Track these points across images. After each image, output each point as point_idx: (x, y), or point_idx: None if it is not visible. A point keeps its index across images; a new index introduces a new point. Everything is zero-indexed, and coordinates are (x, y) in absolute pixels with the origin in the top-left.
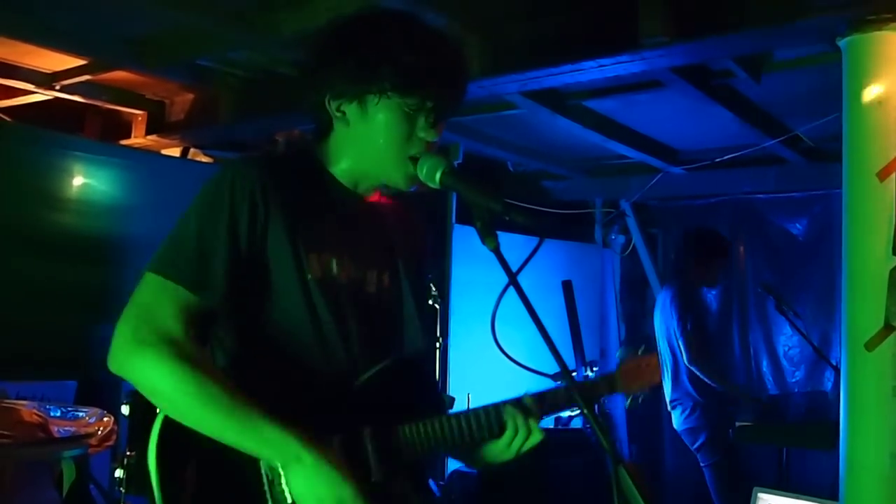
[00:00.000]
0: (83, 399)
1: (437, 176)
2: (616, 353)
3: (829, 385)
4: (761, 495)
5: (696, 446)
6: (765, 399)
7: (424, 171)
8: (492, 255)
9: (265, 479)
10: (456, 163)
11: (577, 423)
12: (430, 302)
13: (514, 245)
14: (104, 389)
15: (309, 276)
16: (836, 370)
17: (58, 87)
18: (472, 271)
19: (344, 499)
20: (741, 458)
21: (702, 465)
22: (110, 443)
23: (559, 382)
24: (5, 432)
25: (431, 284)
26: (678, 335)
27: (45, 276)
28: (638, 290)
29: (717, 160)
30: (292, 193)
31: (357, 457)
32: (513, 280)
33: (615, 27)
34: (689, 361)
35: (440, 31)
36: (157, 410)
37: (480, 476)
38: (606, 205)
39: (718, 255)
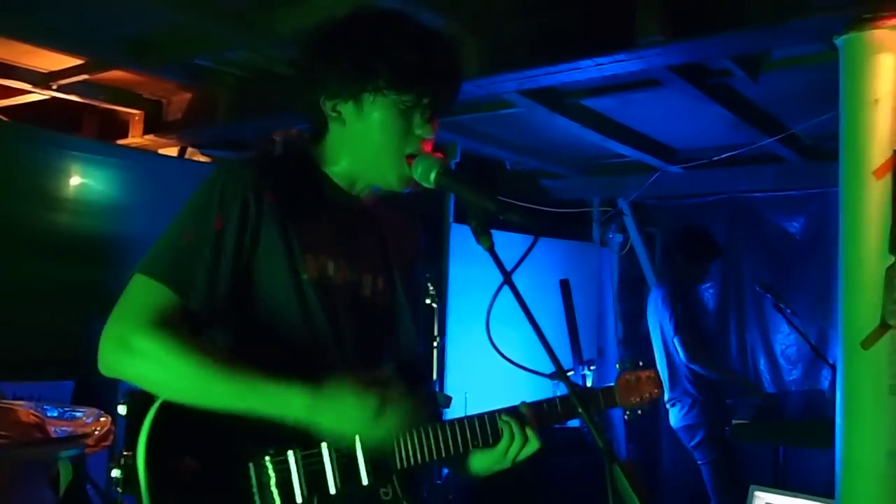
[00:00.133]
0: (80, 399)
1: (432, 176)
2: (615, 364)
3: (826, 383)
4: (758, 493)
5: (693, 444)
6: (763, 396)
7: (419, 171)
8: (489, 255)
9: (254, 481)
10: (454, 162)
11: (574, 423)
12: (428, 301)
13: (511, 244)
14: (101, 389)
15: (304, 277)
16: (833, 368)
17: (55, 87)
18: (470, 270)
19: (374, 412)
20: (738, 455)
21: (699, 462)
22: (107, 443)
23: (555, 381)
24: (2, 432)
25: (429, 284)
26: (673, 334)
27: (41, 276)
28: (635, 288)
29: (715, 159)
30: (287, 195)
31: (347, 462)
32: (507, 279)
33: (612, 26)
34: (689, 360)
35: (433, 28)
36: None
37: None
38: (604, 203)
39: (707, 252)
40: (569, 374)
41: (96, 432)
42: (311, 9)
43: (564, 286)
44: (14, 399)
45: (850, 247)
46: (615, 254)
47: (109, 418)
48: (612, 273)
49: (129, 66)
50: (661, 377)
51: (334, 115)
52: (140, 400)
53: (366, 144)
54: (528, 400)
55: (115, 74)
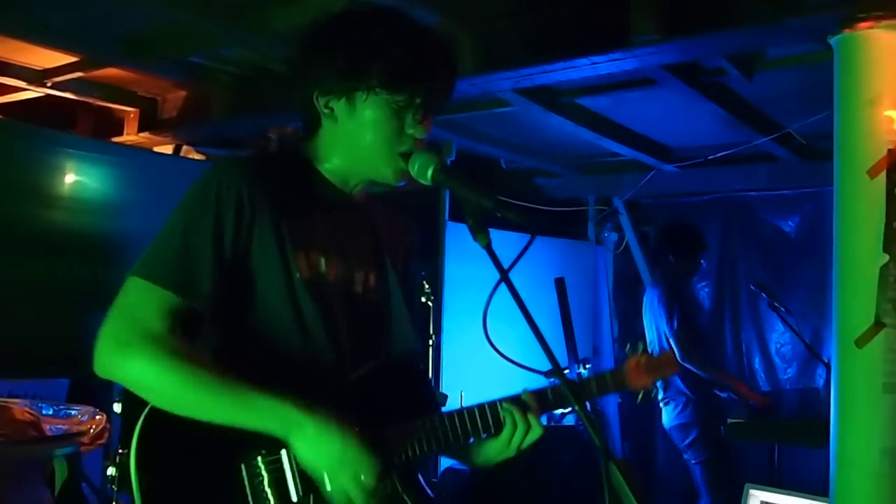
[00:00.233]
0: (75, 397)
1: (429, 173)
2: (625, 350)
3: (820, 382)
4: (753, 491)
5: (686, 443)
6: (758, 396)
7: (416, 167)
8: (485, 252)
9: (246, 482)
10: (449, 160)
11: (569, 420)
12: (423, 299)
13: (507, 242)
14: (96, 387)
15: (297, 275)
16: (828, 367)
17: (49, 84)
18: (466, 268)
19: (350, 456)
20: (731, 454)
21: (692, 462)
22: (102, 441)
23: (553, 380)
24: None
25: (424, 282)
26: (668, 334)
27: (37, 274)
28: (631, 287)
29: (710, 158)
30: (280, 193)
31: None
32: (504, 277)
33: (607, 25)
34: (683, 359)
35: (428, 27)
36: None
37: (472, 473)
38: (599, 202)
39: (696, 247)
40: (565, 372)
41: (92, 430)
42: (306, 6)
43: (560, 285)
44: (9, 397)
45: (845, 246)
46: (610, 252)
47: (105, 416)
48: (608, 271)
49: (124, 63)
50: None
51: (327, 111)
52: (135, 399)
53: (358, 142)
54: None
55: (110, 72)
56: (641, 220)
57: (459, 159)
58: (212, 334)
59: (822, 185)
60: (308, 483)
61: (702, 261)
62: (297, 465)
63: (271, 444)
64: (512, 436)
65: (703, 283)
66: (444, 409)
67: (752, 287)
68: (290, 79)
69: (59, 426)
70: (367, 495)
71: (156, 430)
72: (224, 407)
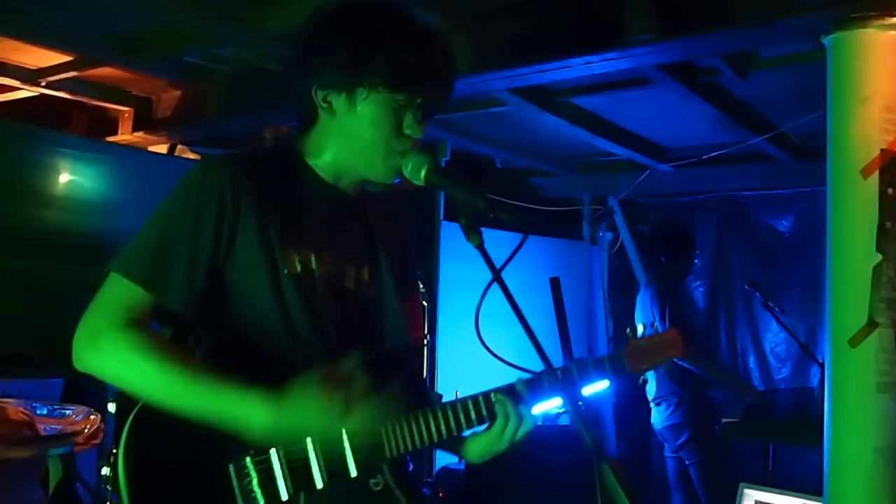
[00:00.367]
0: (70, 397)
1: (422, 173)
2: (626, 332)
3: (815, 381)
4: (747, 491)
5: (678, 443)
6: (753, 395)
7: (409, 168)
8: (479, 252)
9: (234, 482)
10: (444, 160)
11: (565, 420)
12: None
13: (501, 242)
14: (91, 387)
15: (284, 272)
16: (823, 366)
17: (44, 84)
18: (460, 268)
19: (330, 428)
20: (725, 454)
21: (686, 462)
22: (97, 441)
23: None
24: None
25: (419, 282)
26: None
27: (31, 273)
28: (626, 286)
29: (704, 157)
30: (268, 190)
31: (333, 455)
32: (497, 277)
33: (602, 24)
34: (679, 357)
35: (430, 27)
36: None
37: (468, 472)
38: (594, 202)
39: (688, 247)
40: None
41: (86, 430)
42: (301, 5)
43: (555, 284)
44: (3, 397)
45: (838, 245)
46: (605, 252)
47: (99, 416)
48: (603, 271)
49: (119, 62)
50: (649, 377)
51: (325, 105)
52: (130, 398)
53: (354, 139)
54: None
55: (105, 71)
56: (636, 220)
57: (454, 159)
58: (202, 332)
59: (816, 185)
60: (298, 481)
61: (695, 260)
62: (287, 463)
63: (260, 444)
64: (504, 427)
65: (698, 283)
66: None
67: (746, 286)
68: (288, 70)
69: (53, 426)
70: (355, 482)
71: (144, 429)
72: (198, 397)
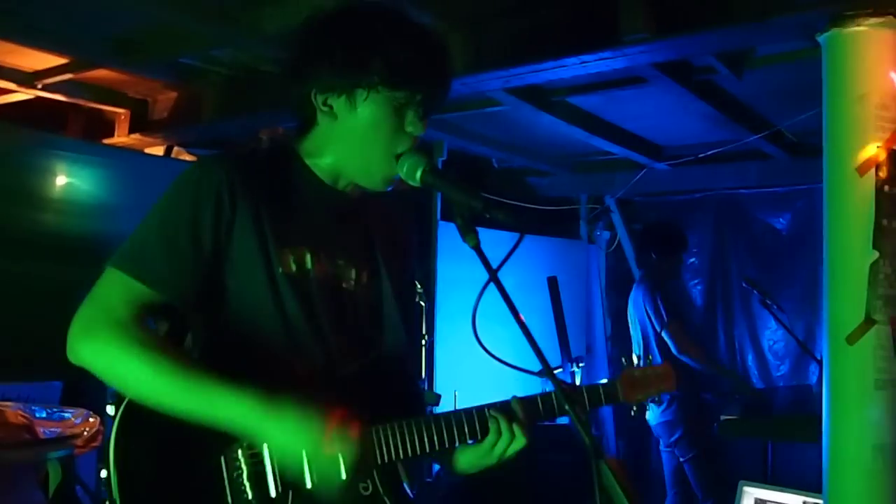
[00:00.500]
0: (69, 400)
1: (418, 174)
2: (620, 359)
3: (813, 379)
4: (746, 489)
5: (672, 440)
6: (751, 392)
7: (405, 169)
8: (475, 253)
9: (224, 472)
10: (440, 160)
11: (564, 419)
12: (416, 299)
13: (498, 241)
14: (90, 390)
15: (280, 271)
16: (821, 364)
17: (40, 86)
18: (458, 268)
19: (318, 445)
20: (720, 451)
21: (681, 459)
22: (96, 443)
23: (543, 378)
24: None
25: (417, 282)
26: (661, 328)
27: (28, 276)
28: (623, 285)
29: (701, 156)
30: (266, 189)
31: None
32: (493, 277)
33: (597, 23)
34: (679, 352)
35: (427, 25)
36: (120, 408)
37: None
38: (591, 201)
39: (678, 244)
40: (557, 371)
41: (85, 433)
42: (296, 7)
43: (552, 284)
44: (2, 400)
45: (835, 243)
46: (603, 251)
47: (98, 419)
48: (600, 270)
49: (115, 64)
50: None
51: (325, 109)
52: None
53: (355, 140)
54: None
55: (101, 73)
56: (633, 219)
57: (451, 159)
58: (199, 330)
59: (812, 182)
60: (288, 479)
61: (685, 257)
62: (278, 460)
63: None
64: (495, 443)
65: (696, 281)
66: (436, 409)
67: (744, 284)
68: (286, 76)
69: (52, 429)
70: (344, 485)
71: (136, 417)
72: (188, 398)
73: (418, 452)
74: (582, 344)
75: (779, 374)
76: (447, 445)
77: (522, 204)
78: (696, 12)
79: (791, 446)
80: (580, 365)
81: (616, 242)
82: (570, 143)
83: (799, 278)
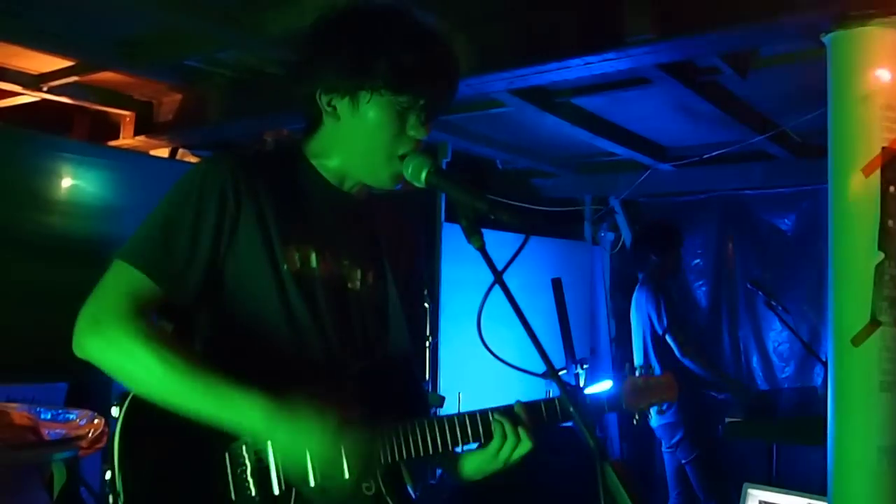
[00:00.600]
0: (73, 401)
1: (423, 175)
2: (624, 364)
3: (818, 380)
4: (751, 491)
5: (673, 442)
6: (753, 397)
7: (410, 170)
8: (480, 254)
9: (228, 469)
10: (445, 162)
11: (568, 421)
12: (422, 302)
13: (503, 243)
14: (94, 391)
15: (284, 268)
16: (826, 365)
17: (45, 89)
18: (462, 270)
19: (331, 448)
20: (722, 452)
21: (682, 461)
22: (101, 445)
23: (547, 380)
24: None
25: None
26: (664, 331)
27: (34, 278)
28: (628, 286)
29: (705, 157)
30: (271, 188)
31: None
32: (498, 279)
33: (601, 25)
34: (681, 355)
35: (433, 28)
36: (124, 405)
37: None
38: (596, 202)
39: (675, 242)
40: (561, 372)
41: (90, 434)
42: (301, 9)
43: (557, 285)
44: (7, 401)
45: (840, 244)
46: (607, 252)
47: (103, 420)
48: (605, 271)
49: (120, 67)
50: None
51: (329, 109)
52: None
53: (358, 141)
54: (522, 399)
55: (106, 76)
56: (638, 220)
57: (455, 160)
58: (204, 325)
59: (818, 183)
60: (292, 477)
61: (683, 252)
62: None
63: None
64: (500, 448)
65: (700, 282)
66: (441, 411)
67: (748, 285)
68: (292, 75)
69: (57, 430)
70: (347, 484)
71: (140, 416)
72: (197, 395)
73: (421, 454)
74: (586, 345)
75: (784, 375)
76: (450, 447)
77: (527, 205)
78: (700, 13)
79: (796, 448)
80: (584, 366)
81: (620, 244)
82: (574, 144)
83: (804, 279)
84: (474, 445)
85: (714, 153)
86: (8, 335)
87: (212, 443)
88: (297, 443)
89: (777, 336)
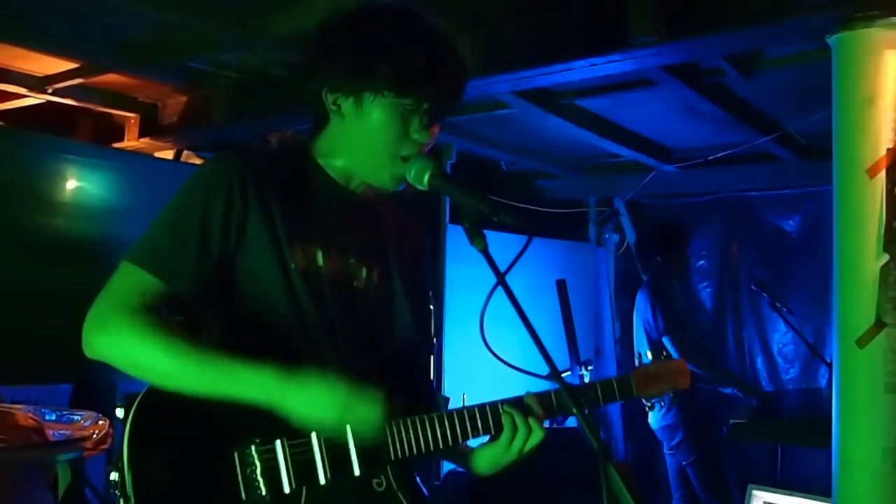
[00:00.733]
0: (78, 402)
1: (426, 178)
2: (634, 360)
3: (823, 382)
4: (756, 492)
5: (673, 444)
6: (759, 396)
7: (413, 173)
8: (483, 256)
9: (237, 468)
10: (449, 163)
11: (571, 422)
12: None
13: (506, 244)
14: (99, 392)
15: (292, 266)
16: (831, 367)
17: (50, 91)
18: (466, 271)
19: (350, 400)
20: (723, 454)
21: (683, 463)
22: (105, 446)
23: (551, 382)
24: (0, 436)
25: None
26: (662, 334)
27: (38, 280)
28: (632, 288)
29: (710, 158)
30: (277, 186)
31: (337, 452)
32: (501, 280)
33: (606, 26)
34: (680, 357)
35: (439, 31)
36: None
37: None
38: (600, 203)
39: (680, 244)
40: (566, 374)
41: (94, 435)
42: (305, 10)
43: (561, 286)
44: (12, 403)
45: (845, 245)
46: (612, 253)
47: (107, 421)
48: (609, 273)
49: (124, 69)
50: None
51: (335, 108)
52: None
53: (362, 142)
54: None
55: (110, 78)
56: (642, 221)
57: (460, 161)
58: (212, 323)
59: (822, 185)
60: (301, 475)
61: (689, 254)
62: (291, 455)
63: (266, 434)
64: (512, 439)
65: (705, 284)
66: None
67: (753, 287)
68: (300, 73)
69: (62, 432)
70: (357, 480)
71: (148, 417)
72: (209, 376)
73: (432, 448)
74: (590, 347)
75: (788, 377)
76: (460, 441)
77: (531, 207)
78: (704, 14)
79: (800, 450)
80: (589, 368)
81: (625, 245)
82: (578, 145)
83: (808, 281)
84: (485, 438)
85: (719, 155)
86: (13, 336)
87: (220, 445)
88: (316, 404)
89: (782, 337)
